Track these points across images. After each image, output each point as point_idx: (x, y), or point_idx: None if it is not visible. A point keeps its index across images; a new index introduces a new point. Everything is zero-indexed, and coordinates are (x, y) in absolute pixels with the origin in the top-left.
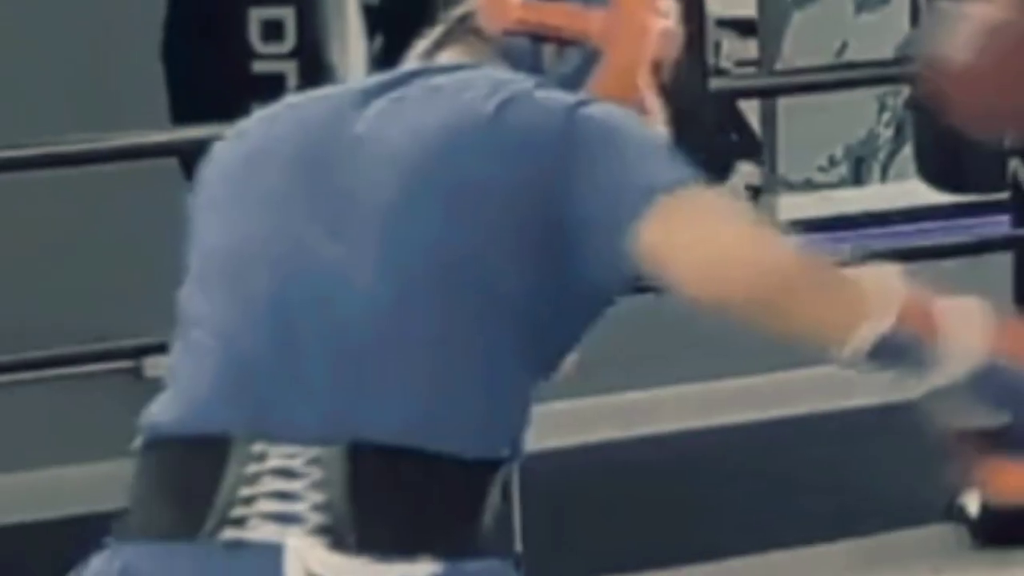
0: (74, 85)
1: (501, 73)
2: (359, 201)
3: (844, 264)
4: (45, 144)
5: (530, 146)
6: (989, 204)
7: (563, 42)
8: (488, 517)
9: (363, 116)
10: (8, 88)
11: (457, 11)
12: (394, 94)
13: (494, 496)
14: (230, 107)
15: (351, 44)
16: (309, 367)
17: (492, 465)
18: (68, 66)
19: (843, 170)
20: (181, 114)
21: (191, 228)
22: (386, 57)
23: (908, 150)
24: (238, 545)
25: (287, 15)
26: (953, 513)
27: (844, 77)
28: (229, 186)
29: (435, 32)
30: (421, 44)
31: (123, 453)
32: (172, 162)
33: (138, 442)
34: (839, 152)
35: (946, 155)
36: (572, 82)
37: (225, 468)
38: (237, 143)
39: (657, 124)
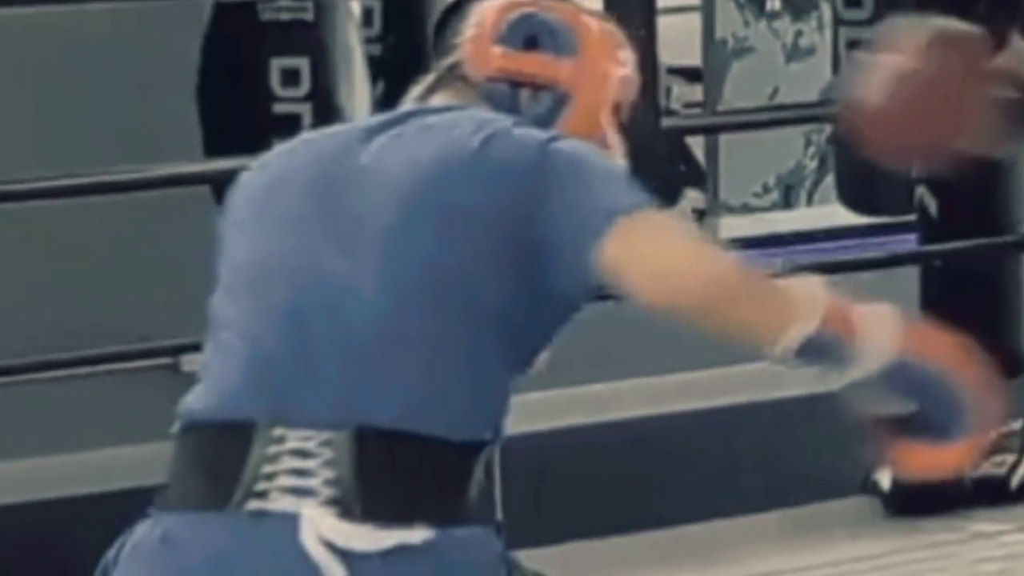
0: (121, 123)
1: (484, 113)
2: (364, 222)
3: (776, 276)
4: (97, 174)
5: (509, 175)
6: (899, 225)
7: (537, 87)
8: (473, 491)
9: (367, 150)
10: (65, 126)
11: (447, 61)
12: (393, 131)
13: (478, 473)
14: (254, 142)
15: (357, 89)
16: (321, 364)
17: (477, 447)
18: (116, 107)
19: (775, 196)
20: (212, 148)
21: (221, 245)
22: (387, 100)
23: (830, 179)
24: (261, 514)
25: (303, 64)
26: (868, 487)
27: (776, 117)
28: (253, 209)
29: (428, 79)
30: (416, 89)
31: (163, 436)
32: (205, 189)
33: (176, 427)
34: (771, 180)
35: (862, 183)
36: (545, 121)
37: (250, 449)
38: (260, 173)
39: (617, 157)
